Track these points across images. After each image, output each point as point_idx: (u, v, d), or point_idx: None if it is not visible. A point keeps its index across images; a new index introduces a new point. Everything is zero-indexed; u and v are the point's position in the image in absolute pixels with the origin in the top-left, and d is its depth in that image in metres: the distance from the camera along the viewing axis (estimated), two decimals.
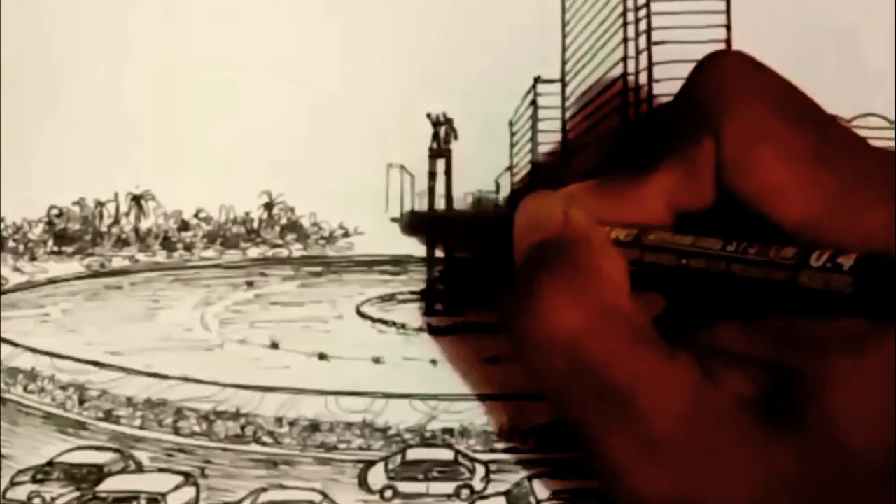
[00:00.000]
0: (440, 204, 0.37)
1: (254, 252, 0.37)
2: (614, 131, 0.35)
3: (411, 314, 0.36)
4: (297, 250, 0.37)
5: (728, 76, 0.26)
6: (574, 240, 0.26)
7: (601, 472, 0.25)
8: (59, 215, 0.36)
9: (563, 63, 0.37)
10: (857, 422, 0.22)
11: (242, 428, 0.34)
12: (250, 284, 0.36)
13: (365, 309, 0.36)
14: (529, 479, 0.34)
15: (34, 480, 0.33)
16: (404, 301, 0.36)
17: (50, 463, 0.34)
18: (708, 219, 0.26)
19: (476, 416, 0.34)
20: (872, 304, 0.22)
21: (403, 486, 0.33)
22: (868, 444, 0.22)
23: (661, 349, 0.25)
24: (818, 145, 0.25)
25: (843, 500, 0.23)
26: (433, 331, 0.35)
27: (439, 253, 0.36)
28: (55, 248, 0.36)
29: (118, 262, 0.36)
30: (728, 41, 0.37)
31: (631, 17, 0.38)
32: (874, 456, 0.22)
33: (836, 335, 0.23)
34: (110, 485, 0.33)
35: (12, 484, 0.33)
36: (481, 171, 0.37)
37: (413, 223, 0.36)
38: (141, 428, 0.34)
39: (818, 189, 0.24)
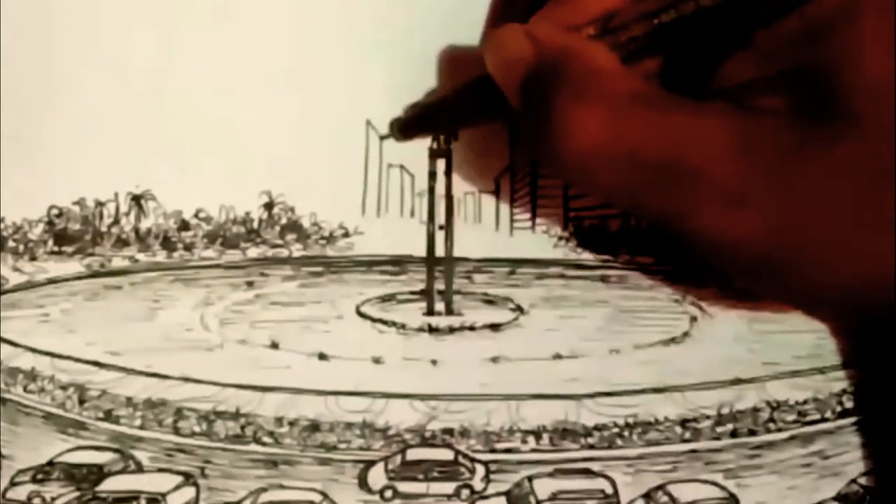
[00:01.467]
0: (440, 204, 0.36)
1: (254, 252, 0.37)
2: None
3: (411, 314, 0.36)
4: (297, 250, 0.37)
5: None
6: (556, 55, 0.27)
7: (696, 246, 0.25)
8: (59, 215, 0.36)
9: None
10: (886, 74, 0.23)
11: (242, 428, 0.34)
12: (250, 284, 0.36)
13: (365, 309, 0.36)
14: (529, 479, 0.34)
15: (34, 480, 0.33)
16: (404, 301, 0.36)
17: (50, 463, 0.34)
18: None
19: (476, 416, 0.34)
20: None
21: (403, 486, 0.33)
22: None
23: (687, 106, 0.25)
24: None
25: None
26: (433, 331, 0.35)
27: (439, 253, 0.36)
28: (55, 248, 0.36)
29: (118, 262, 0.36)
30: None
31: None
32: None
33: (823, 16, 0.24)
34: (110, 485, 0.33)
35: (12, 484, 0.33)
36: (481, 171, 0.37)
37: (403, 125, 0.35)
38: (141, 428, 0.34)
39: None
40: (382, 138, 0.36)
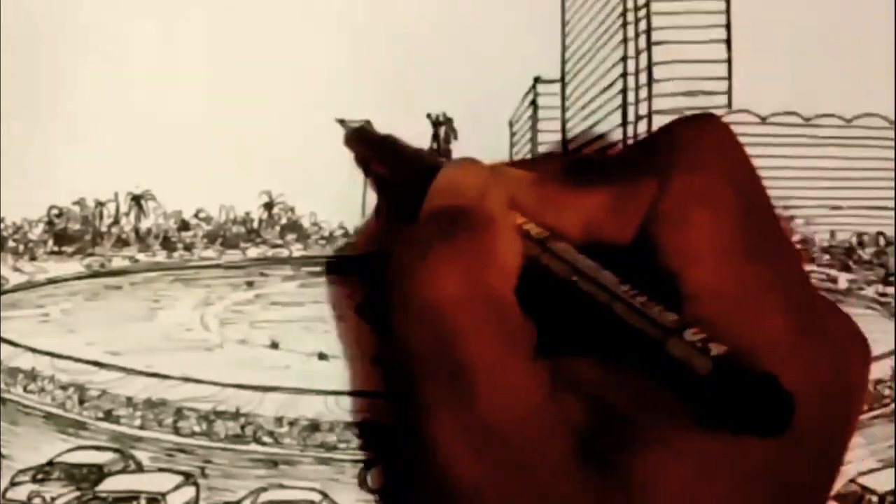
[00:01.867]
0: None
1: (254, 252, 0.37)
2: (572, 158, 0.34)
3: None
4: (297, 250, 0.37)
5: (703, 136, 0.26)
6: (483, 217, 0.26)
7: (414, 449, 0.25)
8: (59, 215, 0.36)
9: (563, 63, 0.37)
10: (662, 488, 0.23)
11: (242, 428, 0.34)
12: (250, 284, 0.36)
13: (365, 309, 0.36)
14: None
15: (34, 480, 0.33)
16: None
17: (50, 463, 0.34)
18: (612, 258, 0.26)
19: None
20: (719, 403, 0.21)
21: None
22: None
23: (524, 352, 0.25)
24: (754, 237, 0.25)
25: None
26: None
27: None
28: (55, 248, 0.36)
29: (118, 262, 0.36)
30: (728, 41, 0.37)
31: (631, 17, 0.38)
32: None
33: (670, 415, 0.23)
34: (110, 485, 0.33)
35: (12, 484, 0.33)
36: None
37: (353, 136, 0.35)
38: (141, 428, 0.34)
39: (734, 272, 0.24)
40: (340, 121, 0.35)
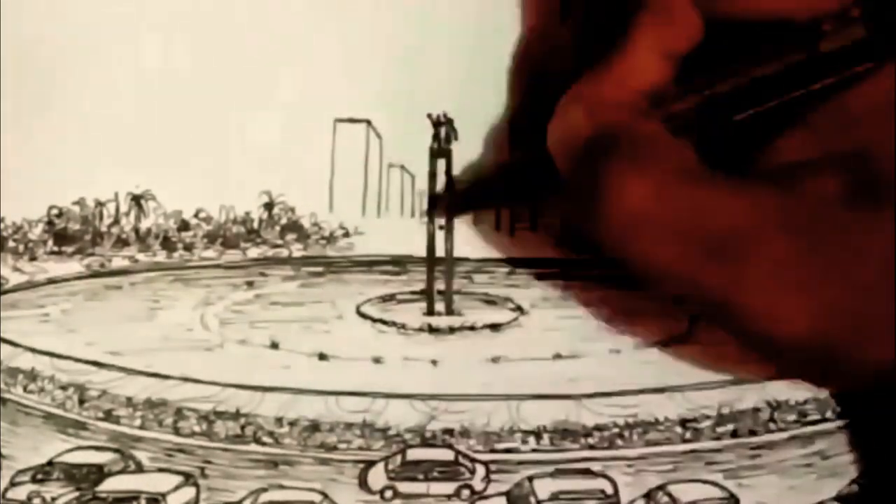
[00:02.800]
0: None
1: (254, 252, 0.37)
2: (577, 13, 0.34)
3: (411, 314, 0.36)
4: (297, 250, 0.37)
5: None
6: (610, 126, 0.26)
7: (737, 328, 0.25)
8: (59, 215, 0.36)
9: None
10: None
11: (242, 428, 0.34)
12: (250, 284, 0.36)
13: (365, 309, 0.36)
14: (529, 479, 0.34)
15: (34, 480, 0.33)
16: (404, 301, 0.36)
17: (50, 463, 0.34)
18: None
19: (476, 416, 0.34)
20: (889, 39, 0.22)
21: (403, 487, 0.33)
22: None
23: (739, 184, 0.25)
24: None
25: None
26: (433, 331, 0.35)
27: (439, 253, 0.36)
28: (55, 248, 0.36)
29: (118, 262, 0.36)
30: None
31: None
32: None
33: (878, 99, 0.23)
34: (110, 485, 0.33)
35: (12, 484, 0.33)
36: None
37: (453, 203, 0.36)
38: (141, 428, 0.34)
39: None
40: (430, 217, 0.36)
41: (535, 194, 0.33)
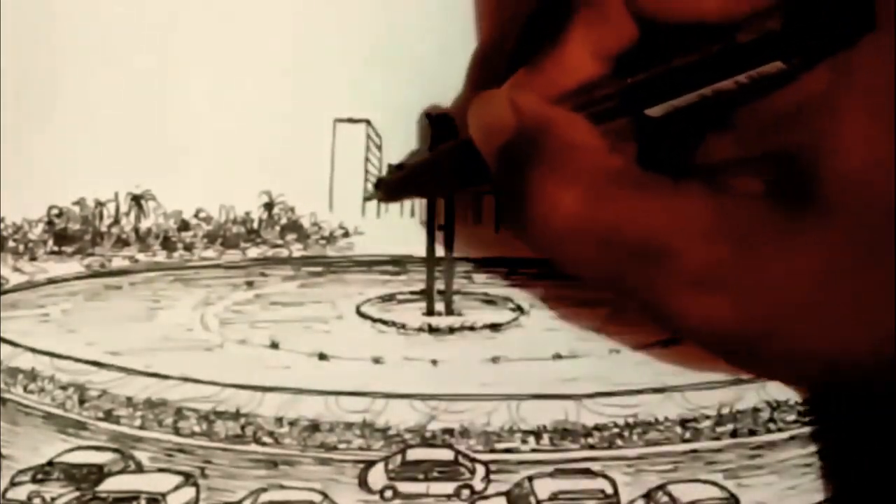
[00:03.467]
0: (440, 204, 0.36)
1: (254, 252, 0.37)
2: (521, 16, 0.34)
3: (411, 314, 0.36)
4: (297, 250, 0.37)
5: None
6: (536, 126, 0.26)
7: (673, 327, 0.26)
8: (59, 215, 0.36)
9: None
10: (860, 178, 0.23)
11: (242, 428, 0.34)
12: (250, 284, 0.36)
13: (365, 309, 0.36)
14: (529, 479, 0.34)
15: (34, 480, 0.33)
16: (404, 301, 0.36)
17: (50, 463, 0.34)
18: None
19: (476, 416, 0.34)
20: (802, 34, 0.22)
21: (403, 487, 0.33)
22: (874, 202, 0.22)
23: (665, 186, 0.25)
24: None
25: (878, 263, 0.23)
26: (433, 331, 0.35)
27: (439, 253, 0.36)
28: (55, 248, 0.36)
29: (118, 262, 0.36)
30: None
31: None
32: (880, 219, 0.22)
33: (802, 100, 0.23)
34: (110, 485, 0.33)
35: (12, 484, 0.33)
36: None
37: (387, 188, 0.36)
38: (141, 428, 0.34)
39: None
40: (366, 199, 0.36)
41: (466, 183, 0.33)
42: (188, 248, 0.36)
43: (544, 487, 0.33)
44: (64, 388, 0.34)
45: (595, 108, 0.27)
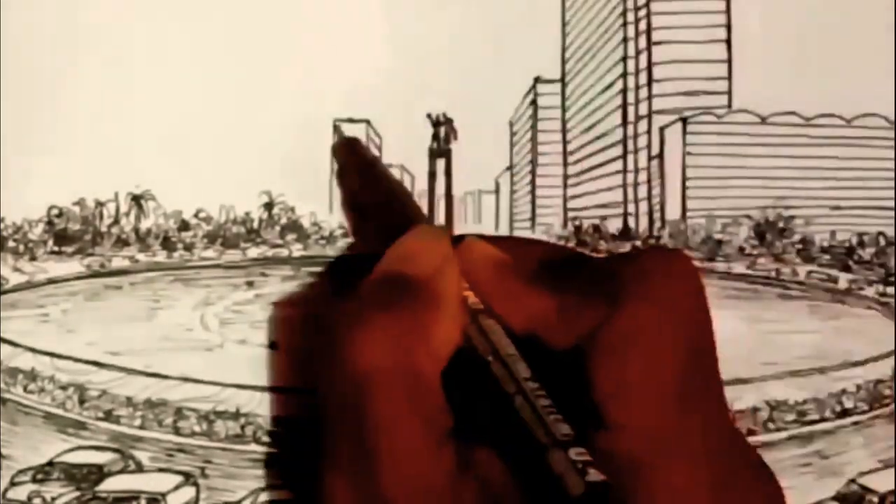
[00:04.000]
0: (440, 204, 0.37)
1: (254, 252, 0.37)
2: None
3: None
4: (297, 250, 0.37)
5: (662, 269, 0.25)
6: (430, 294, 0.25)
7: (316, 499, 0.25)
8: (59, 215, 0.36)
9: (563, 63, 0.37)
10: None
11: (242, 428, 0.34)
12: (250, 284, 0.36)
13: None
14: None
15: (34, 480, 0.33)
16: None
17: (50, 463, 0.34)
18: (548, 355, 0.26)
19: None
20: None
21: None
22: None
23: (436, 436, 0.24)
24: (690, 381, 0.24)
25: None
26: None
27: None
28: (55, 248, 0.36)
29: (118, 262, 0.36)
30: (728, 41, 0.37)
31: (631, 17, 0.38)
32: None
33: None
34: (110, 485, 0.33)
35: (12, 484, 0.33)
36: (481, 171, 0.37)
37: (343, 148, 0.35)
38: (141, 428, 0.34)
39: (660, 414, 0.24)
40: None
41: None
42: (188, 248, 0.36)
43: None
44: (64, 388, 0.34)
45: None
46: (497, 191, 0.37)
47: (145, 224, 0.36)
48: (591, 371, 0.24)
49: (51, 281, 0.36)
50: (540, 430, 0.23)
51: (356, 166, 0.35)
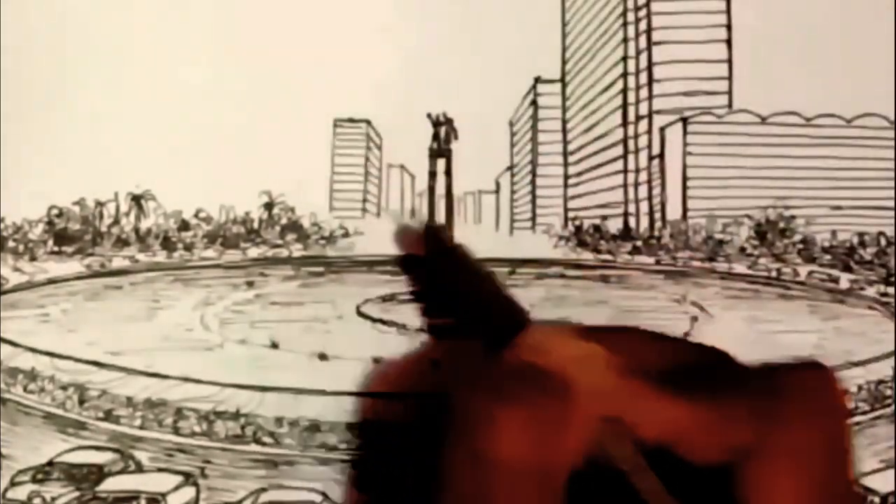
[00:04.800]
0: (440, 204, 0.37)
1: (254, 252, 0.37)
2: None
3: (411, 314, 0.36)
4: (297, 250, 0.37)
5: (808, 389, 0.26)
6: (568, 386, 0.25)
7: None
8: (59, 215, 0.36)
9: (563, 63, 0.37)
10: None
11: (242, 428, 0.34)
12: (250, 284, 0.36)
13: (365, 309, 0.36)
14: None
15: (34, 480, 0.33)
16: (404, 301, 0.36)
17: (50, 463, 0.34)
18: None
19: None
20: None
21: None
22: None
23: None
24: (833, 498, 0.25)
25: None
26: (433, 331, 0.35)
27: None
28: (55, 248, 0.36)
29: (118, 262, 0.36)
30: (728, 41, 0.37)
31: (631, 17, 0.38)
32: None
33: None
34: (110, 485, 0.33)
35: (12, 484, 0.33)
36: (481, 171, 0.37)
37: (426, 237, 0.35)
38: (141, 428, 0.34)
39: None
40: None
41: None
42: (188, 248, 0.36)
43: None
44: (64, 388, 0.34)
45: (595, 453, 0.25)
46: (497, 191, 0.37)
47: (145, 224, 0.36)
48: (742, 486, 0.24)
49: (51, 281, 0.36)
50: None
51: (444, 259, 0.34)
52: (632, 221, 0.38)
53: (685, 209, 0.38)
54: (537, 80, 0.37)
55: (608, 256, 0.37)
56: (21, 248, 0.36)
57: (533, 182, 0.38)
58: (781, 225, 0.37)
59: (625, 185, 0.38)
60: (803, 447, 0.24)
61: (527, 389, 0.24)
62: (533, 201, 0.38)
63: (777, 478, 0.24)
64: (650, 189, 0.38)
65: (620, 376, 0.25)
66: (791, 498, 0.24)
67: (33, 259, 0.36)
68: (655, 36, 0.38)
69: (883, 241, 0.37)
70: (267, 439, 0.34)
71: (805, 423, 0.25)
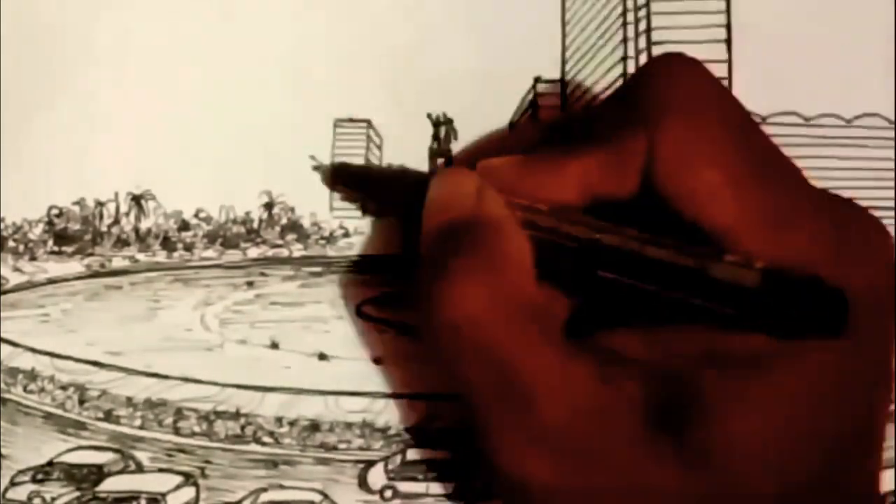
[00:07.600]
0: None
1: (254, 252, 0.37)
2: (551, 122, 0.34)
3: (411, 314, 0.36)
4: (297, 250, 0.37)
5: (674, 78, 0.26)
6: (487, 222, 0.26)
7: (487, 455, 0.25)
8: (59, 215, 0.36)
9: (563, 63, 0.37)
10: (741, 445, 0.23)
11: (242, 428, 0.34)
12: (250, 284, 0.36)
13: (365, 309, 0.36)
14: None
15: (34, 480, 0.33)
16: (404, 301, 0.36)
17: (50, 463, 0.34)
18: (623, 213, 0.26)
19: None
20: (773, 310, 0.22)
21: (403, 486, 0.33)
22: (749, 469, 0.23)
23: (562, 346, 0.25)
24: (759, 162, 0.25)
25: None
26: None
27: None
28: (55, 248, 0.36)
29: (118, 262, 0.36)
30: (728, 41, 0.37)
31: (631, 17, 0.38)
32: (752, 480, 0.23)
33: (736, 352, 0.23)
34: (110, 485, 0.33)
35: (12, 484, 0.33)
36: None
37: (335, 175, 0.35)
38: (141, 428, 0.34)
39: (752, 200, 0.24)
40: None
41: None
42: (188, 248, 0.36)
43: None
44: (64, 388, 0.35)
45: (553, 238, 0.26)
46: None
47: (145, 224, 0.36)
48: (668, 191, 0.25)
49: (51, 281, 0.36)
50: (688, 259, 0.23)
51: (357, 180, 0.35)
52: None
53: None
54: (537, 80, 0.37)
55: None
56: (21, 248, 0.36)
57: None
58: None
59: None
60: (705, 127, 0.25)
61: (452, 245, 0.26)
62: None
63: (696, 167, 0.25)
64: None
65: (514, 172, 0.27)
66: (717, 178, 0.24)
67: (33, 259, 0.36)
68: (655, 36, 0.38)
69: None
70: (267, 439, 0.34)
71: (694, 105, 0.26)
